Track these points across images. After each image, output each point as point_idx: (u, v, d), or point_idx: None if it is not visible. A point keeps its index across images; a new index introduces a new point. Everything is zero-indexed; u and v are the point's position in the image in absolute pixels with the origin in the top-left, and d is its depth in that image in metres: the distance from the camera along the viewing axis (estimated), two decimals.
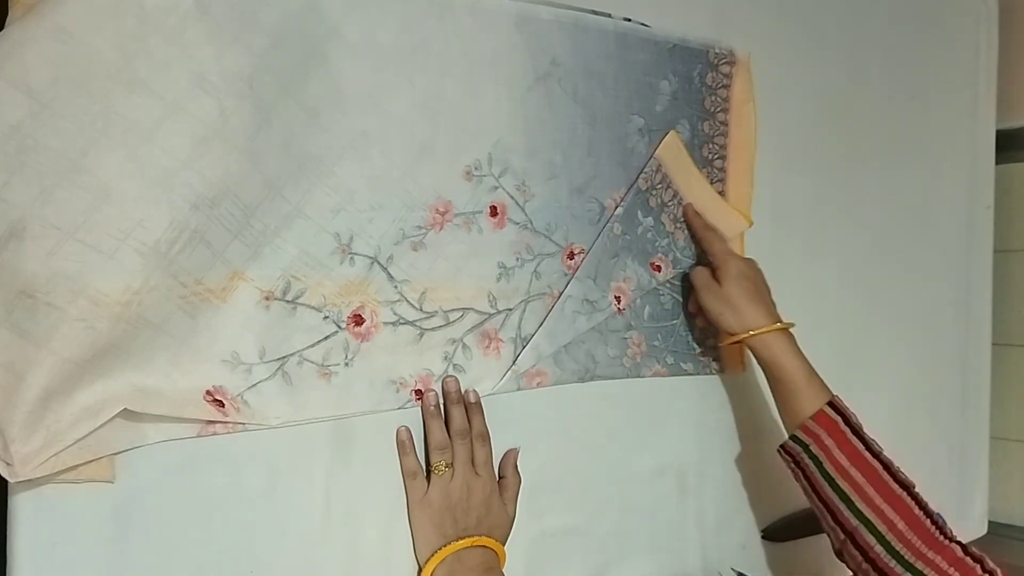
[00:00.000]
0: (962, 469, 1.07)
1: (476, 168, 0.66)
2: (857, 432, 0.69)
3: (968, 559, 0.63)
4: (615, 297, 0.74)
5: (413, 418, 0.64)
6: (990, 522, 1.11)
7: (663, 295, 0.78)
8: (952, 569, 0.63)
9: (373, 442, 0.62)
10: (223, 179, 0.54)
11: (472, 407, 0.65)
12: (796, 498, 0.88)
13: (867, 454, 0.68)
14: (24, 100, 0.47)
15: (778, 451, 0.73)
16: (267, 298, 0.58)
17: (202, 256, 0.54)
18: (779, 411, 0.74)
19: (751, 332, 0.71)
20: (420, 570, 0.62)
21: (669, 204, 0.77)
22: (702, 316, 0.76)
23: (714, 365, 0.81)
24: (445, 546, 0.61)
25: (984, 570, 0.63)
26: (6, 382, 0.48)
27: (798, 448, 0.70)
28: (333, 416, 0.60)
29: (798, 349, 0.72)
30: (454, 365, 0.66)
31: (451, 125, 0.65)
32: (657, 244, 0.76)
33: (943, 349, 1.04)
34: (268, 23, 0.55)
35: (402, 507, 0.63)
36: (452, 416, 0.64)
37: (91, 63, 0.49)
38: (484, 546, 0.62)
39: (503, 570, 0.63)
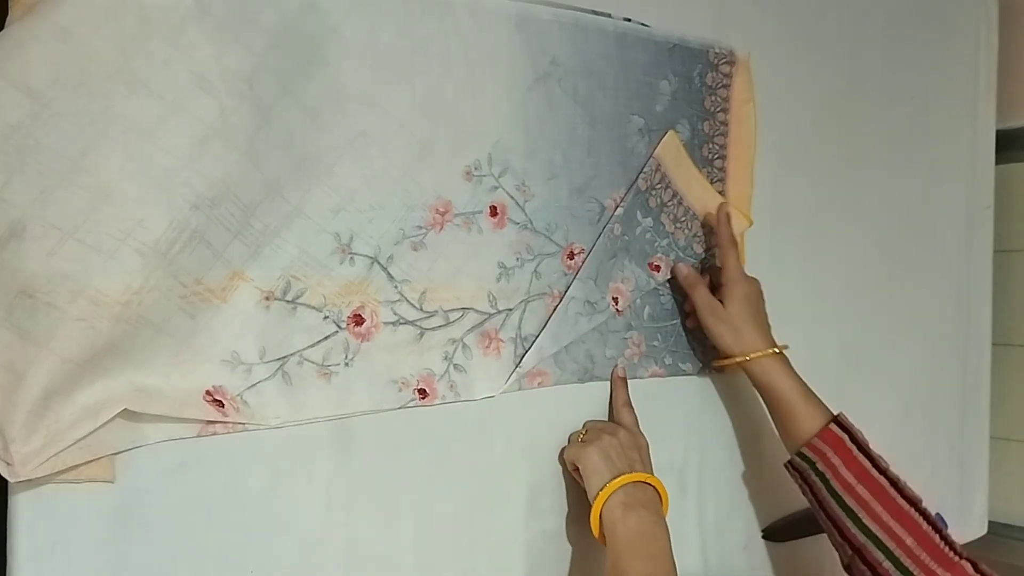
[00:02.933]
0: (962, 469, 1.07)
1: (476, 168, 0.66)
2: (863, 449, 0.69)
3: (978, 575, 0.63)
4: (613, 298, 0.74)
5: (414, 418, 0.64)
6: (990, 522, 1.11)
7: (663, 295, 0.78)
8: None
9: (373, 442, 0.62)
10: (223, 179, 0.54)
11: (617, 381, 0.73)
12: (796, 498, 0.88)
13: (874, 471, 0.68)
14: (24, 100, 0.47)
15: (785, 467, 0.74)
16: (267, 298, 0.58)
17: (202, 256, 0.54)
18: (779, 432, 0.74)
19: (749, 356, 0.72)
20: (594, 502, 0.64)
21: (669, 204, 0.77)
22: (691, 319, 0.77)
23: (713, 365, 0.81)
24: (616, 477, 0.63)
25: None
26: (6, 382, 0.48)
27: (804, 465, 0.70)
28: (333, 416, 0.60)
29: (794, 371, 0.73)
30: (454, 365, 0.66)
31: (451, 125, 0.65)
32: (657, 244, 0.76)
33: (943, 349, 1.04)
34: (268, 23, 0.55)
35: (402, 507, 0.64)
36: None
37: (91, 63, 0.49)
38: (652, 484, 0.65)
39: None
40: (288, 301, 0.58)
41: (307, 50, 0.57)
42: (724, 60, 0.80)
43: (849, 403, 0.92)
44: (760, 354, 0.72)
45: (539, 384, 0.70)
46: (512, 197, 0.68)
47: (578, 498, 0.72)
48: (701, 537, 0.81)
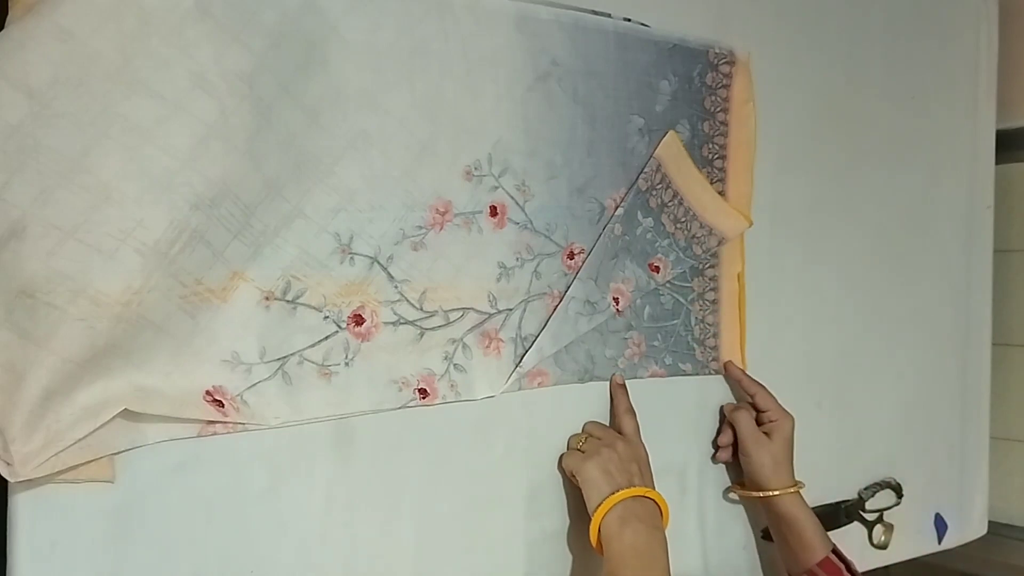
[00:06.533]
0: (962, 469, 1.07)
1: (476, 168, 0.66)
2: None
3: None
4: (614, 298, 0.74)
5: (414, 418, 0.64)
6: (990, 522, 1.11)
7: (663, 295, 0.78)
8: None
9: (373, 442, 0.62)
10: (223, 179, 0.54)
11: (617, 388, 0.74)
12: None
13: None
14: (24, 100, 0.47)
15: None
16: (267, 298, 0.58)
17: (202, 256, 0.54)
18: (783, 555, 0.78)
19: (776, 492, 0.76)
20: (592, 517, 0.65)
21: (669, 204, 0.77)
22: (724, 451, 0.80)
23: (713, 365, 0.81)
24: (615, 493, 0.64)
25: None
26: (6, 382, 0.48)
27: None
28: (333, 416, 0.60)
29: (807, 504, 0.77)
30: (454, 365, 0.66)
31: (451, 125, 0.65)
32: (657, 244, 0.76)
33: (943, 349, 1.04)
34: (268, 23, 0.55)
35: (402, 507, 0.64)
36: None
37: (91, 63, 0.49)
38: (651, 498, 0.66)
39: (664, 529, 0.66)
40: (288, 301, 0.58)
41: (307, 50, 0.57)
42: (724, 60, 0.80)
43: (849, 403, 0.92)
44: (788, 490, 0.76)
45: (539, 384, 0.70)
46: (512, 197, 0.68)
47: (578, 499, 0.72)
48: (701, 537, 0.81)
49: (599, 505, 0.64)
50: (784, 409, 0.78)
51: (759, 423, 0.78)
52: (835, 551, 0.75)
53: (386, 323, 0.62)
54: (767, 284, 0.84)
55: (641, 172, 0.75)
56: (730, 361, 0.81)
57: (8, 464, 0.48)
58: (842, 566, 0.75)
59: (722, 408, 0.81)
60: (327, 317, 0.60)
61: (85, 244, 0.49)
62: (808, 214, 0.90)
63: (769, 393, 0.79)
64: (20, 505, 0.50)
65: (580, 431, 0.72)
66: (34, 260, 0.48)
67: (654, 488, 0.67)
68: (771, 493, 0.76)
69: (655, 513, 0.65)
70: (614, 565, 0.62)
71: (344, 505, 0.61)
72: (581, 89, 0.71)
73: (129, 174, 0.50)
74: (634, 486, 0.65)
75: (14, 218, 0.47)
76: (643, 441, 0.71)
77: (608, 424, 0.74)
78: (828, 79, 0.91)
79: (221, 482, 0.56)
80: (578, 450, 0.69)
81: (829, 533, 0.77)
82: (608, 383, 0.74)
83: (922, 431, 1.02)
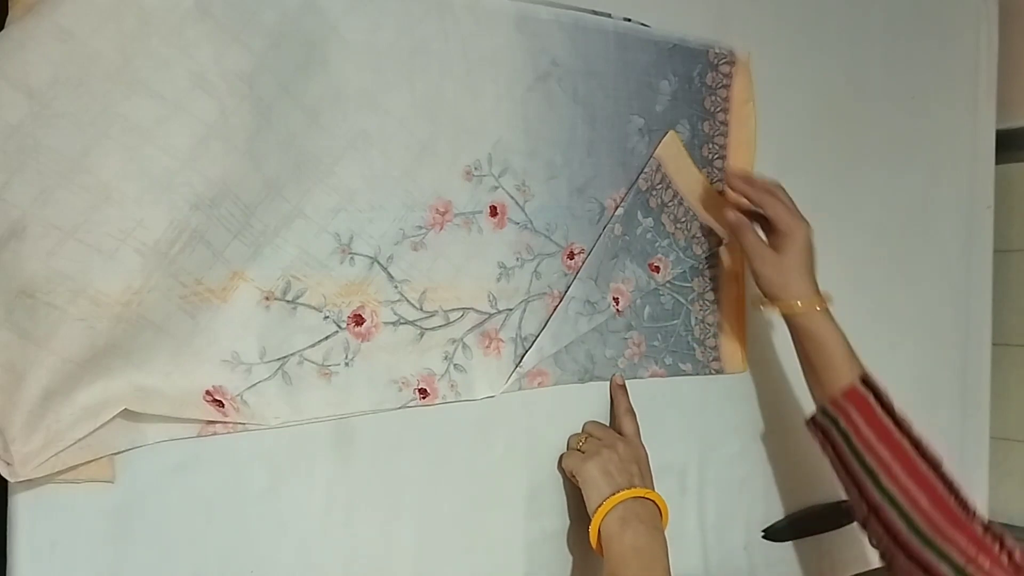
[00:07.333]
0: (962, 469, 1.07)
1: (476, 168, 0.66)
2: (888, 409, 0.69)
3: (988, 538, 0.64)
4: (614, 298, 0.74)
5: (414, 418, 0.64)
6: (990, 522, 1.11)
7: (663, 295, 0.78)
8: (972, 547, 0.63)
9: (374, 442, 0.62)
10: (223, 179, 0.54)
11: (617, 389, 0.73)
12: (797, 498, 0.88)
13: (896, 432, 0.68)
14: (24, 100, 0.47)
15: (806, 423, 0.73)
16: (267, 298, 0.58)
17: (202, 256, 0.54)
18: (808, 382, 0.73)
19: (799, 303, 0.70)
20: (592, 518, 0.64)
21: (669, 204, 0.77)
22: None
23: (714, 365, 0.81)
24: (615, 493, 0.63)
25: (1002, 548, 0.63)
26: (6, 382, 0.48)
27: (827, 422, 0.70)
28: (333, 416, 0.60)
29: (836, 323, 0.71)
30: (454, 365, 0.66)
31: (451, 125, 0.65)
32: (657, 244, 0.76)
33: (943, 349, 1.04)
34: (268, 23, 0.55)
35: (402, 507, 0.64)
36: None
37: (91, 63, 0.49)
38: (651, 500, 0.65)
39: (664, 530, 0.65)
40: (288, 301, 0.58)
41: (307, 50, 0.57)
42: (724, 60, 0.80)
43: None
44: (812, 304, 0.70)
45: (539, 384, 0.70)
46: (512, 197, 0.68)
47: (578, 499, 0.71)
48: (702, 537, 0.81)
49: (599, 506, 0.64)
50: (797, 216, 0.72)
51: (769, 234, 0.73)
52: (864, 378, 0.69)
53: (386, 323, 0.62)
54: None
55: (641, 172, 0.75)
56: (728, 168, 0.76)
57: (8, 464, 0.47)
58: (870, 395, 0.68)
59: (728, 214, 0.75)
60: (327, 317, 0.60)
61: (85, 244, 0.49)
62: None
63: (780, 199, 0.72)
64: (20, 505, 0.50)
65: (580, 431, 0.72)
66: (34, 260, 0.48)
67: (654, 489, 0.67)
68: (783, 306, 0.71)
69: (655, 514, 0.65)
70: (615, 565, 0.62)
71: (344, 505, 0.61)
72: (581, 89, 0.71)
73: (129, 174, 0.50)
74: (634, 487, 0.65)
75: (14, 218, 0.47)
76: (643, 442, 0.71)
77: (608, 424, 0.74)
78: (828, 79, 0.91)
79: (221, 482, 0.56)
80: (578, 450, 0.69)
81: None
82: (608, 383, 0.74)
83: (922, 431, 1.01)
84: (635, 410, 0.73)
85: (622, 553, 0.62)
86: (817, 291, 0.71)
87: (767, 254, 0.72)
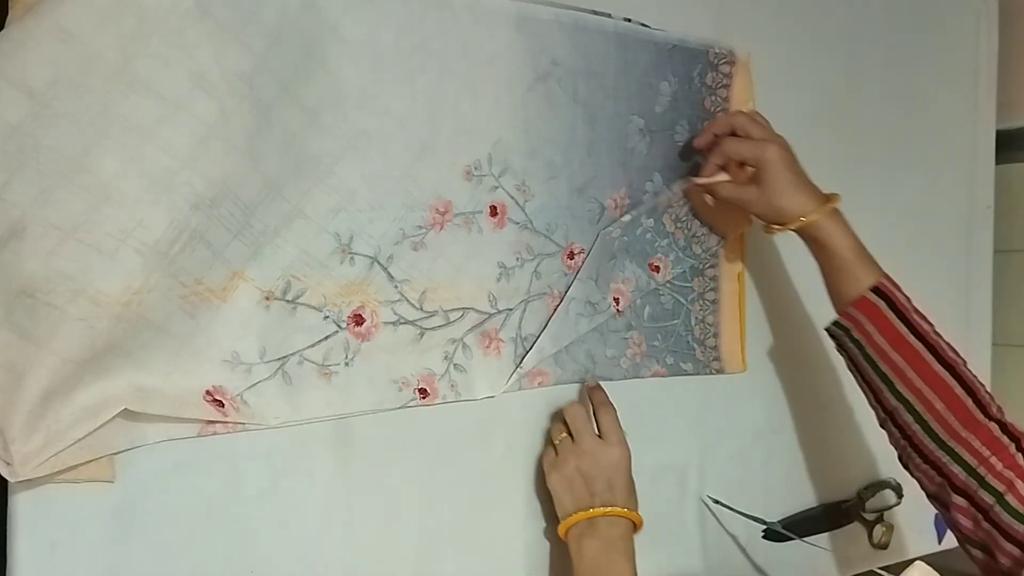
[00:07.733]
0: None
1: (476, 168, 0.66)
2: (903, 314, 0.67)
3: (1004, 437, 0.63)
4: (614, 298, 0.74)
5: (415, 418, 0.64)
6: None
7: (663, 295, 0.78)
8: (985, 448, 0.62)
9: (373, 442, 0.62)
10: (223, 179, 0.54)
11: (590, 389, 0.71)
12: (797, 498, 0.88)
13: (910, 337, 0.67)
14: (24, 100, 0.47)
15: (825, 330, 0.72)
16: (267, 298, 0.58)
17: (202, 256, 0.54)
18: (828, 293, 0.72)
19: (802, 219, 0.68)
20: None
21: (670, 205, 0.77)
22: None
23: (714, 365, 0.81)
24: (575, 513, 0.64)
25: (1018, 449, 0.62)
26: (6, 382, 0.48)
27: (840, 332, 0.70)
28: (333, 416, 0.60)
29: (848, 226, 0.69)
30: (454, 365, 0.66)
31: (451, 125, 0.65)
32: (657, 244, 0.76)
33: None
34: (268, 23, 0.55)
35: (402, 507, 0.64)
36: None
37: (91, 63, 0.49)
38: (617, 515, 0.64)
39: (634, 538, 0.64)
40: (288, 301, 0.58)
41: (307, 50, 0.57)
42: (724, 60, 0.80)
43: (850, 403, 0.91)
44: (813, 215, 0.68)
45: (539, 384, 0.70)
46: (512, 197, 0.68)
47: None
48: (701, 537, 0.81)
49: (563, 520, 0.65)
50: (760, 141, 0.69)
51: (746, 167, 0.71)
52: (879, 285, 0.67)
53: (386, 323, 0.62)
54: (767, 284, 0.84)
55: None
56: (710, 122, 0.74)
57: (8, 464, 0.48)
58: (882, 303, 0.67)
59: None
60: (327, 317, 0.60)
61: (85, 244, 0.49)
62: None
63: (736, 137, 0.71)
64: (20, 505, 0.50)
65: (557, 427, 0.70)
66: (34, 260, 0.48)
67: (628, 496, 0.66)
68: (787, 227, 0.69)
69: (619, 525, 0.64)
70: None
71: (344, 505, 0.61)
72: (581, 89, 0.71)
73: (129, 174, 0.50)
74: (594, 506, 0.64)
75: (14, 218, 0.47)
76: (631, 441, 0.68)
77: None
78: (828, 79, 0.91)
79: (221, 482, 0.56)
80: (553, 447, 0.68)
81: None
82: (608, 383, 0.74)
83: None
84: (628, 411, 0.73)
85: (582, 571, 0.63)
86: (818, 198, 0.69)
87: (750, 193, 0.70)
